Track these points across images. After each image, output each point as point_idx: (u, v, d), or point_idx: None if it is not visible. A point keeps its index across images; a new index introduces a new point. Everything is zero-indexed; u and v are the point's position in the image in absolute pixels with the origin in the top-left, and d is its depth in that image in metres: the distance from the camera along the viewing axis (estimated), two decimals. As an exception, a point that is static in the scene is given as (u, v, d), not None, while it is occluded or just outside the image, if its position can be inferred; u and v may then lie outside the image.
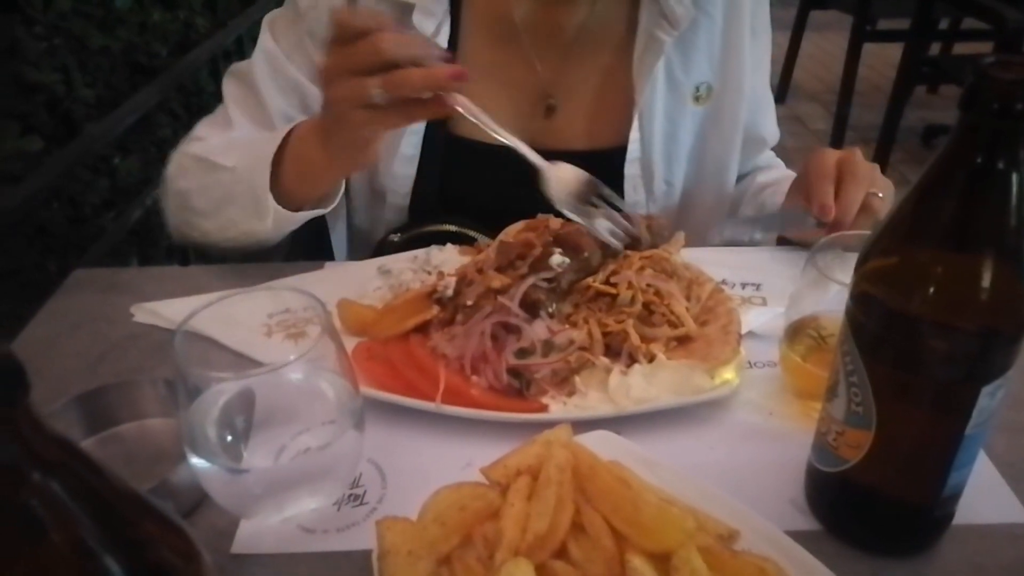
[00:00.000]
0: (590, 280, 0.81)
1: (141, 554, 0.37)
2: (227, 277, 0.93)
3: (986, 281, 0.49)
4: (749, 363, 0.78)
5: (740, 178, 1.16)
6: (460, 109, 0.76)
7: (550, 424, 0.62)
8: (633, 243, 0.86)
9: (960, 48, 3.94)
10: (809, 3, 4.06)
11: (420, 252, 0.93)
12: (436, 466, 0.66)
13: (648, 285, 0.80)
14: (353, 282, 0.88)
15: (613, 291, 0.80)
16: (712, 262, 0.89)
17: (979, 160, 0.48)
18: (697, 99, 1.06)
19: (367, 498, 0.65)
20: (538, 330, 0.75)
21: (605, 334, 0.77)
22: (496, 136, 0.78)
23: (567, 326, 0.77)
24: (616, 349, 0.76)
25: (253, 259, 0.97)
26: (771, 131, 1.18)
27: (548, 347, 0.74)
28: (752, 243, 1.02)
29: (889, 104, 3.30)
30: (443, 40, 0.98)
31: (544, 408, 0.72)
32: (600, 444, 0.62)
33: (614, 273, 0.82)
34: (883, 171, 0.92)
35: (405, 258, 0.93)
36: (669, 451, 0.66)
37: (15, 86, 1.56)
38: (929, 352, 0.52)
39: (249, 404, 0.57)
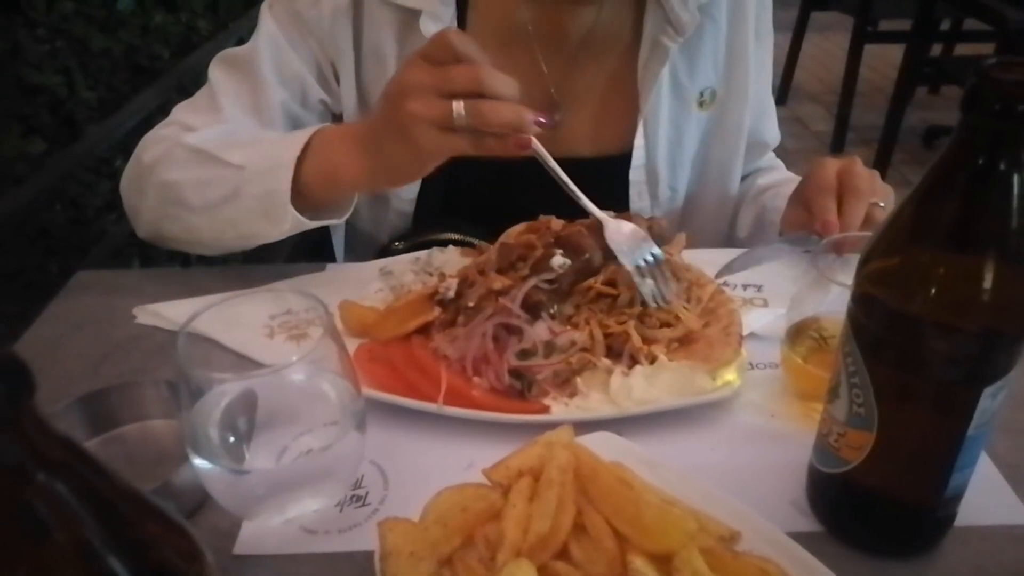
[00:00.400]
0: (591, 281, 0.81)
1: (144, 555, 0.37)
2: (229, 279, 0.93)
3: (988, 282, 0.49)
4: (750, 364, 0.78)
5: (741, 179, 1.16)
6: (535, 152, 0.78)
7: (552, 425, 0.62)
8: None
9: (961, 49, 3.93)
10: (810, 4, 4.05)
11: (422, 254, 0.94)
12: (438, 467, 0.66)
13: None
14: (355, 284, 0.88)
15: (614, 292, 0.80)
16: (713, 263, 0.89)
17: (981, 161, 0.48)
18: (702, 104, 1.06)
19: (369, 499, 0.65)
20: (539, 331, 0.75)
21: (606, 335, 0.77)
22: (564, 186, 0.81)
23: (568, 327, 0.77)
24: (617, 350, 0.76)
25: (255, 261, 0.97)
26: (773, 134, 1.18)
27: (550, 348, 0.75)
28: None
29: (890, 105, 3.29)
30: None
31: (546, 409, 0.72)
32: (602, 445, 0.62)
33: (615, 274, 0.82)
34: (884, 172, 0.93)
35: (407, 260, 0.93)
36: (670, 452, 0.66)
37: (17, 88, 1.57)
38: (931, 353, 0.52)
39: (251, 405, 0.58)
